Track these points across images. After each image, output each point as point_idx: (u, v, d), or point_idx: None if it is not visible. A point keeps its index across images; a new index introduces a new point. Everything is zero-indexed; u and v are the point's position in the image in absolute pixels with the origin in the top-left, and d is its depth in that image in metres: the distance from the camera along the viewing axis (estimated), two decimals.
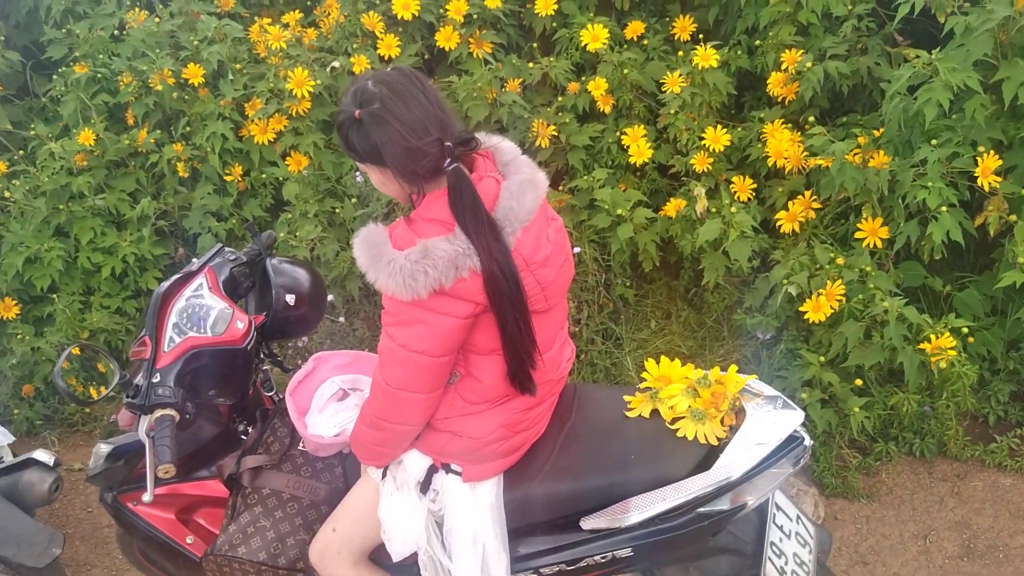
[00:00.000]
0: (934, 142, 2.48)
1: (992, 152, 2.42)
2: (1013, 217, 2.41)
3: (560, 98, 3.30)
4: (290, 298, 1.91)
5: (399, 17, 3.33)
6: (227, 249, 1.97)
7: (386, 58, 3.33)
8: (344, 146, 1.54)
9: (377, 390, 1.56)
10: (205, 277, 1.83)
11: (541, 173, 1.60)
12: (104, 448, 1.89)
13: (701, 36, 3.25)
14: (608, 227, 3.02)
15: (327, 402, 1.89)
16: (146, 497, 1.64)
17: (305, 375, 1.90)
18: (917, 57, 2.50)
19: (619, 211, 2.98)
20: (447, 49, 3.33)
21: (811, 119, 2.88)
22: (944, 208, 2.43)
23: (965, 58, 2.45)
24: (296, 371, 1.93)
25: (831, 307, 2.51)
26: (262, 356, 1.98)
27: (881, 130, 2.73)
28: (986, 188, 2.41)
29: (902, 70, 2.54)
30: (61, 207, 3.27)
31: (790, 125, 2.99)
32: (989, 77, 2.44)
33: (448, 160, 1.47)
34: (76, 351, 1.91)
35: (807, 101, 2.97)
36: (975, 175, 2.43)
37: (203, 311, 1.77)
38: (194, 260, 1.91)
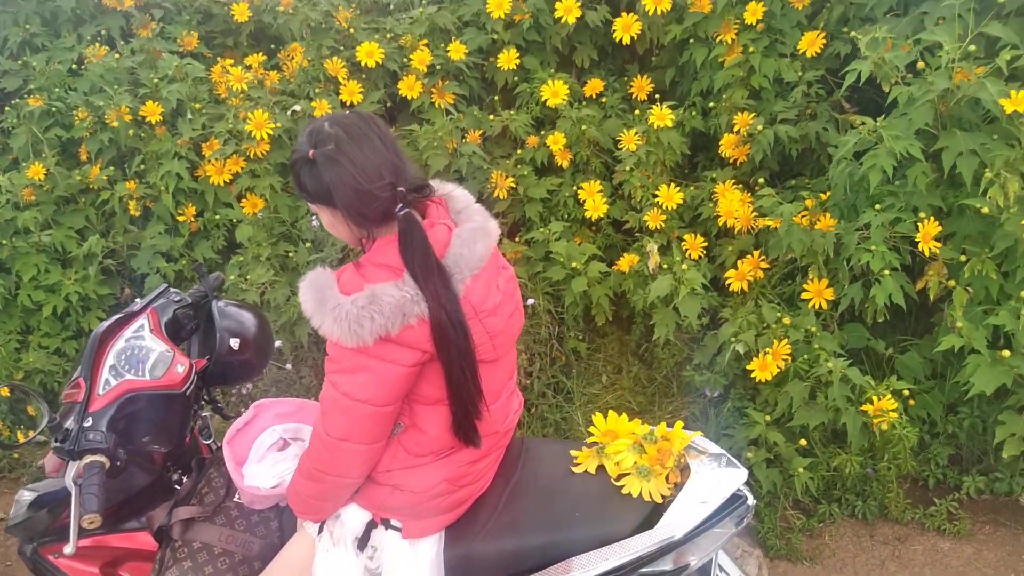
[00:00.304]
0: (878, 207, 2.56)
1: (932, 218, 2.50)
2: (952, 282, 2.49)
3: (519, 151, 3.34)
4: (234, 342, 1.87)
5: (363, 64, 3.37)
6: (172, 290, 1.93)
7: (348, 104, 3.34)
8: (296, 186, 1.54)
9: (317, 440, 1.52)
10: (147, 318, 1.79)
11: (493, 221, 1.61)
12: (27, 495, 1.81)
13: (657, 96, 3.33)
14: (562, 280, 3.04)
15: (266, 452, 1.84)
16: (68, 549, 1.56)
17: (245, 423, 1.84)
18: (863, 124, 2.59)
19: (574, 264, 3.00)
20: (409, 98, 3.36)
21: (760, 180, 2.96)
22: (887, 272, 2.50)
23: (908, 127, 2.54)
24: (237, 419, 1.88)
25: (777, 366, 2.54)
26: (202, 402, 1.93)
27: (828, 193, 2.81)
28: (926, 253, 2.49)
29: (848, 136, 2.63)
30: (4, 242, 3.17)
31: (741, 186, 3.07)
32: (930, 146, 2.53)
33: (400, 205, 1.47)
34: (5, 392, 1.83)
35: (757, 163, 3.06)
36: (916, 240, 2.51)
37: (142, 353, 1.72)
38: (136, 300, 1.86)
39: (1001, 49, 2.42)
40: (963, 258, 2.48)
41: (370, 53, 3.35)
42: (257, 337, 1.93)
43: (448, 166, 3.17)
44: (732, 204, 2.96)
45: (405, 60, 3.41)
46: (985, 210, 2.36)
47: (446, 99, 3.38)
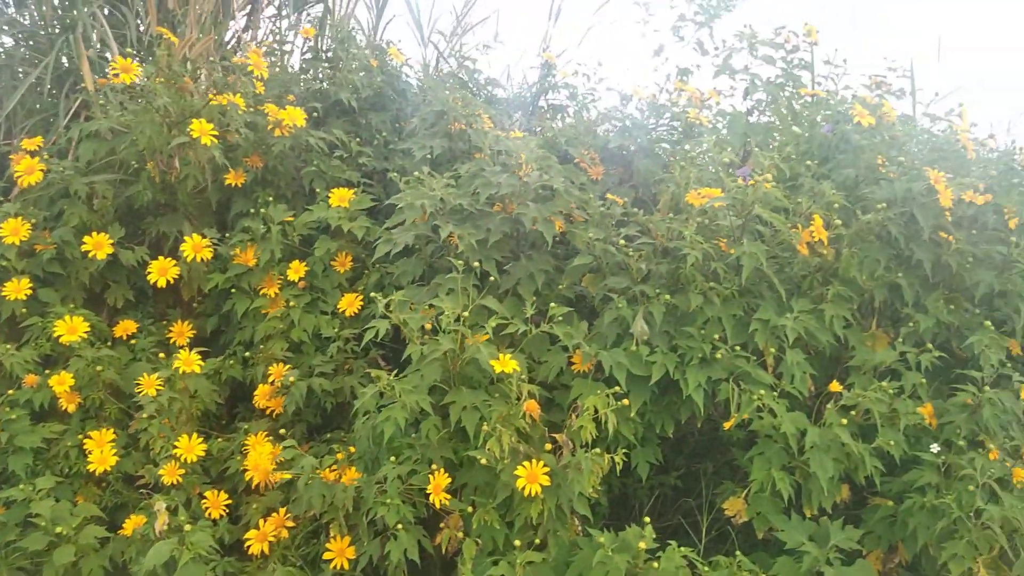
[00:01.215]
0: (394, 459, 2.59)
1: (443, 470, 2.58)
2: (461, 534, 2.54)
3: (12, 392, 2.83)
4: None
5: None
6: None
7: None
8: None
9: None
10: None
11: None
12: None
13: (189, 343, 3.16)
14: (44, 550, 2.48)
15: None
16: None
17: None
18: (379, 378, 2.68)
19: (59, 529, 2.48)
20: None
21: (283, 432, 2.86)
22: (401, 526, 2.47)
23: (421, 382, 2.69)
24: None
25: None
26: None
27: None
28: (437, 505, 2.53)
29: (367, 389, 2.69)
30: None
31: (273, 438, 2.93)
32: (441, 401, 2.69)
33: None
34: None
35: (291, 415, 2.97)
36: (429, 492, 2.55)
37: None
38: None
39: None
40: (471, 509, 2.57)
41: None
42: None
43: None
44: (261, 457, 2.78)
45: None
46: (484, 461, 2.51)
47: None
